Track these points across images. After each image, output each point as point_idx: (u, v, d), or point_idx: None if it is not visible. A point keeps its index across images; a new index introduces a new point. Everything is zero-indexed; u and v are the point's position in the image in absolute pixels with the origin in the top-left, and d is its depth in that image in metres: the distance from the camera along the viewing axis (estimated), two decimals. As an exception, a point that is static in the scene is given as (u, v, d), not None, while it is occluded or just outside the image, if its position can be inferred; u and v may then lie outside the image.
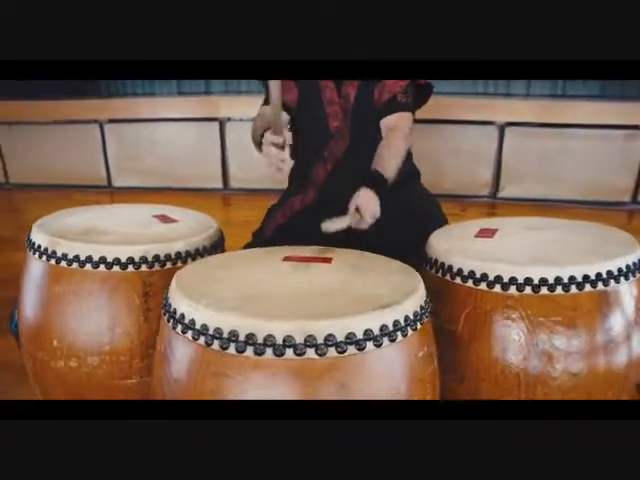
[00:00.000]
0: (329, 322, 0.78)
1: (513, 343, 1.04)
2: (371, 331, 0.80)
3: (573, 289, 1.01)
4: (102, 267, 1.08)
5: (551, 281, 1.01)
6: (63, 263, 1.09)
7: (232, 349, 0.78)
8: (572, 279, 1.01)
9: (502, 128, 2.90)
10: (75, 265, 1.08)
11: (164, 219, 1.31)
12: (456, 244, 1.17)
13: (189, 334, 0.82)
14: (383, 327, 0.81)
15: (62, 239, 1.10)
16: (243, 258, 1.09)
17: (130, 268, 1.09)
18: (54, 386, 1.14)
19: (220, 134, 3.12)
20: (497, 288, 1.04)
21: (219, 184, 3.14)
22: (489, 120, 2.89)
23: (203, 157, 3.14)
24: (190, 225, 1.28)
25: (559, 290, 1.01)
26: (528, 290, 1.02)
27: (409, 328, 0.85)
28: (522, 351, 1.03)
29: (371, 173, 1.28)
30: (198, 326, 0.81)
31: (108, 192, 3.10)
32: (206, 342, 0.80)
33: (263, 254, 1.11)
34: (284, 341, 0.76)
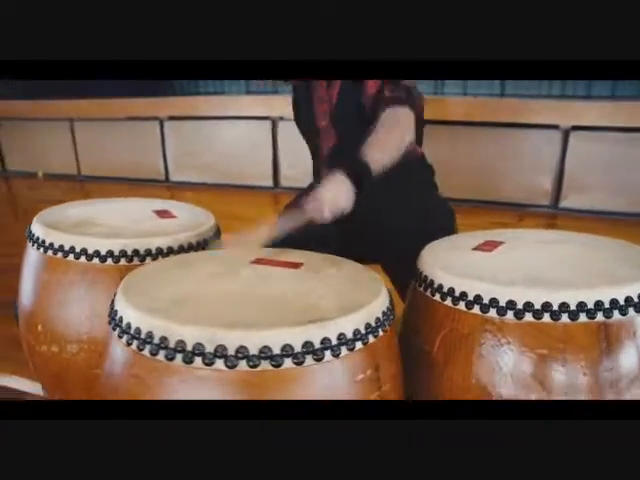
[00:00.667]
0: (242, 333, 0.73)
1: (491, 373, 0.91)
2: (291, 347, 0.73)
3: (564, 318, 0.87)
4: (83, 259, 1.11)
5: (537, 306, 0.87)
6: (50, 252, 1.13)
7: (146, 351, 0.76)
8: (564, 306, 0.86)
9: (566, 132, 2.61)
10: (60, 255, 1.12)
11: (163, 214, 1.33)
12: (445, 257, 1.05)
13: (117, 331, 0.81)
14: (307, 344, 0.74)
15: (53, 230, 1.15)
16: (206, 259, 1.06)
17: (109, 261, 1.11)
18: (41, 369, 1.21)
19: (272, 133, 3.14)
20: (476, 309, 0.91)
21: (270, 182, 3.17)
22: (552, 124, 2.61)
23: (256, 155, 3.19)
24: (183, 222, 1.28)
25: (546, 318, 0.87)
26: (510, 315, 0.89)
27: (343, 348, 0.77)
28: (501, 384, 0.90)
29: (356, 161, 1.20)
30: (124, 324, 0.80)
31: (166, 186, 3.25)
32: (127, 341, 0.78)
33: (233, 255, 1.07)
34: (194, 348, 0.73)
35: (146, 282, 0.90)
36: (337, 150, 1.39)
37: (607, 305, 0.86)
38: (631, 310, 0.87)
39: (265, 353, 0.72)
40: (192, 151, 3.24)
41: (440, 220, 1.40)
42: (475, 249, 1.09)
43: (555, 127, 2.62)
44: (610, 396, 0.87)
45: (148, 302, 0.81)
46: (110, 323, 0.85)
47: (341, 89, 1.36)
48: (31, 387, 1.45)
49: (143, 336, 0.76)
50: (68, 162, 4.26)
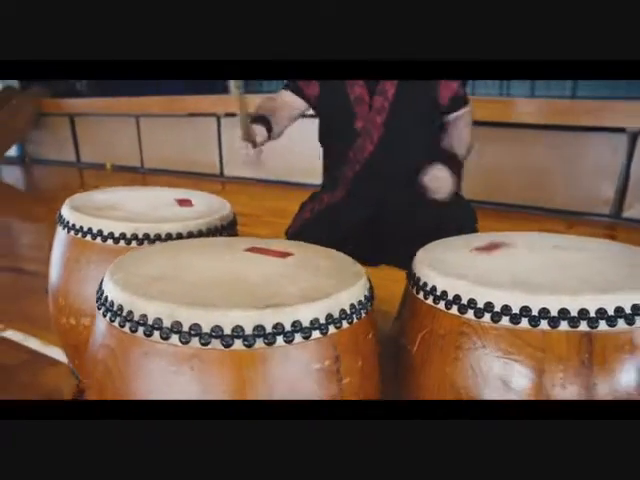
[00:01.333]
0: (197, 312, 0.76)
1: (465, 378, 0.87)
2: (241, 328, 0.75)
3: (543, 324, 0.81)
4: (99, 240, 1.20)
5: (515, 310, 0.82)
6: (72, 233, 1.23)
7: (116, 323, 0.81)
8: (543, 312, 0.81)
9: (634, 136, 2.39)
10: (80, 235, 1.22)
11: (182, 203, 1.40)
12: (438, 255, 1.02)
13: (98, 303, 0.87)
14: (258, 327, 0.76)
15: (77, 212, 1.25)
16: (202, 245, 1.10)
17: (121, 243, 1.19)
18: (64, 339, 1.31)
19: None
20: (454, 310, 0.88)
21: (319, 180, 3.19)
22: (618, 127, 2.41)
23: (307, 153, 3.23)
24: (198, 210, 1.34)
25: (524, 323, 0.82)
26: (487, 317, 0.85)
27: (297, 335, 0.78)
28: (476, 388, 0.86)
29: (442, 151, 1.38)
30: (103, 298, 0.86)
31: (220, 181, 3.38)
32: (103, 313, 0.84)
33: (231, 243, 1.11)
34: (153, 323, 0.77)
35: (134, 262, 0.96)
36: (380, 153, 1.41)
37: (592, 314, 0.80)
38: (621, 321, 0.80)
39: (216, 332, 0.75)
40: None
41: (459, 223, 1.36)
42: (475, 250, 1.05)
43: (621, 130, 2.42)
44: (593, 413, 0.80)
45: (126, 278, 0.87)
46: (96, 296, 0.91)
47: (398, 88, 1.39)
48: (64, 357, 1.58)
49: (115, 309, 0.82)
50: (133, 155, 4.62)
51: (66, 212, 1.27)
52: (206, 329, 0.75)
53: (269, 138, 1.41)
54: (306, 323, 0.78)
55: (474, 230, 1.39)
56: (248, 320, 0.75)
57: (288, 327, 0.77)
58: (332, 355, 0.82)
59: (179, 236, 1.22)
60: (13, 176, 5.49)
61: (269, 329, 0.76)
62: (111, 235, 1.19)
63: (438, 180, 1.32)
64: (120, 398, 0.80)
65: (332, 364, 0.81)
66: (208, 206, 1.39)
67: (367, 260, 1.12)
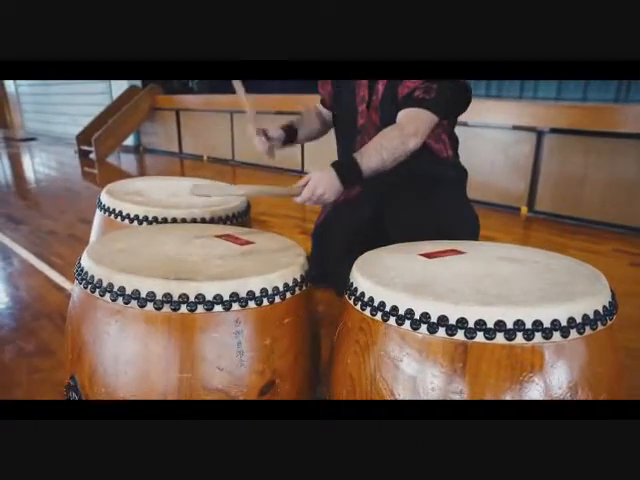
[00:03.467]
0: (123, 276, 0.93)
1: (358, 372, 0.93)
2: (153, 294, 0.91)
3: (423, 329, 0.84)
4: (119, 219, 1.44)
5: (401, 312, 0.87)
6: (104, 213, 1.49)
7: (97, 294, 0.99)
8: (424, 317, 0.84)
9: None
10: (106, 214, 1.48)
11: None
12: (374, 255, 1.09)
13: (76, 274, 1.08)
14: (166, 295, 0.90)
15: (108, 196, 1.51)
16: (184, 229, 1.27)
17: (135, 223, 1.42)
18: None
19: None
20: (358, 306, 0.95)
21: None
22: None
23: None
24: (211, 200, 1.52)
25: (407, 325, 0.86)
26: (379, 316, 0.90)
27: (200, 306, 0.91)
28: (365, 379, 0.92)
29: (346, 158, 1.29)
30: (79, 269, 1.06)
31: (299, 176, 3.59)
32: (79, 282, 1.03)
33: (211, 229, 1.27)
34: (95, 282, 0.95)
35: (116, 238, 1.17)
36: None
37: (471, 324, 0.81)
38: (500, 335, 0.80)
39: (135, 295, 0.91)
40: (324, 146, 3.57)
41: (459, 224, 1.38)
42: (421, 254, 1.09)
43: None
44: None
45: (97, 250, 1.07)
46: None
47: (386, 87, 1.44)
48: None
49: (79, 269, 1.03)
50: (225, 149, 5.08)
51: (103, 196, 1.54)
52: (128, 291, 0.92)
53: (288, 139, 1.55)
54: (209, 297, 0.91)
55: (475, 236, 1.39)
56: (158, 288, 0.91)
57: (192, 298, 0.91)
58: (234, 329, 0.94)
59: (183, 221, 1.42)
60: (129, 163, 6.38)
61: (175, 297, 0.90)
62: (128, 216, 1.43)
63: (311, 186, 1.22)
64: (73, 338, 1.00)
65: (232, 338, 0.93)
66: (224, 197, 1.57)
67: None
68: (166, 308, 0.91)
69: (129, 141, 6.81)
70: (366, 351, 0.92)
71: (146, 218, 1.42)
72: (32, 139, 8.61)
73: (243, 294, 0.94)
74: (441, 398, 0.82)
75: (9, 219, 3.47)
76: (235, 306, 0.93)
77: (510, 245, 1.19)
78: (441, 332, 0.83)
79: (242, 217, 1.53)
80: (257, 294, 0.95)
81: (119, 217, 1.44)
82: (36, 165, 6.30)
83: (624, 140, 2.71)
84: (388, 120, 1.41)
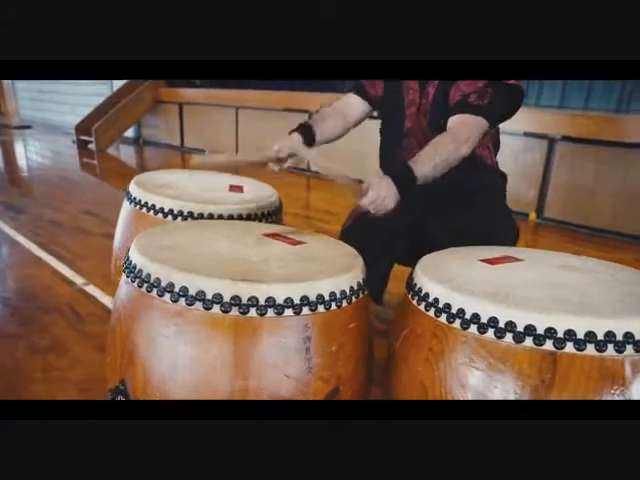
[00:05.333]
0: (185, 275, 0.87)
1: (431, 379, 0.90)
2: (220, 296, 0.85)
3: (508, 338, 0.81)
4: (151, 212, 1.38)
5: (484, 320, 0.84)
6: (133, 205, 1.43)
7: (129, 278, 0.95)
8: (509, 325, 0.81)
9: None
10: (138, 208, 1.41)
11: (234, 189, 1.54)
12: (440, 261, 1.05)
13: (126, 271, 1.02)
14: (234, 297, 0.85)
15: (138, 188, 1.44)
16: (229, 226, 1.22)
17: (169, 217, 1.36)
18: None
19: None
20: (431, 312, 0.91)
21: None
22: None
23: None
24: (246, 197, 1.47)
25: (490, 334, 0.83)
26: (457, 323, 0.87)
27: (270, 309, 0.86)
28: (438, 391, 0.89)
29: (400, 166, 1.25)
30: (129, 264, 1.00)
31: (304, 175, 3.54)
32: (130, 279, 0.98)
33: (258, 228, 1.22)
34: (153, 281, 0.90)
35: (160, 233, 1.11)
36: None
37: (560, 334, 0.79)
38: (591, 347, 0.78)
39: (200, 296, 0.86)
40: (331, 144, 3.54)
41: (498, 234, 1.35)
42: (481, 260, 1.06)
43: None
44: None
45: (146, 245, 1.01)
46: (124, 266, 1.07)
47: (437, 90, 1.40)
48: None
49: (131, 266, 0.97)
50: (230, 144, 5.00)
51: (132, 187, 1.47)
52: (192, 292, 0.87)
53: (308, 146, 1.49)
54: (280, 301, 0.87)
55: (514, 243, 1.37)
56: (226, 289, 0.86)
57: (262, 301, 0.86)
58: (303, 335, 0.89)
59: (220, 217, 1.36)
60: (128, 155, 6.24)
61: (244, 300, 0.86)
62: (161, 209, 1.37)
63: (377, 191, 1.18)
64: (122, 340, 0.95)
65: (301, 344, 0.89)
66: (256, 193, 1.52)
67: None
68: (234, 311, 0.86)
69: (129, 133, 6.66)
70: (440, 359, 0.88)
71: (181, 213, 1.35)
72: (27, 127, 8.35)
73: (313, 297, 0.89)
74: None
75: (8, 207, 3.34)
76: (305, 310, 0.88)
77: (562, 253, 1.16)
78: (528, 341, 0.80)
79: (277, 215, 1.49)
80: (326, 298, 0.91)
81: (152, 210, 1.38)
82: (29, 153, 6.11)
83: (635, 150, 2.73)
84: (436, 123, 1.38)
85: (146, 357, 0.91)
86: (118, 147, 6.51)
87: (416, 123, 1.45)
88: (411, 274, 1.03)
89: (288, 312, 0.87)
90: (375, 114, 1.63)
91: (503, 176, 1.53)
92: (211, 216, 1.36)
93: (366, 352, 1.03)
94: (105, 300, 2.00)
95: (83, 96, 7.49)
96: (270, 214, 1.46)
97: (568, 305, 0.83)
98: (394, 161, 1.50)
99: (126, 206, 1.47)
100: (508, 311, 0.82)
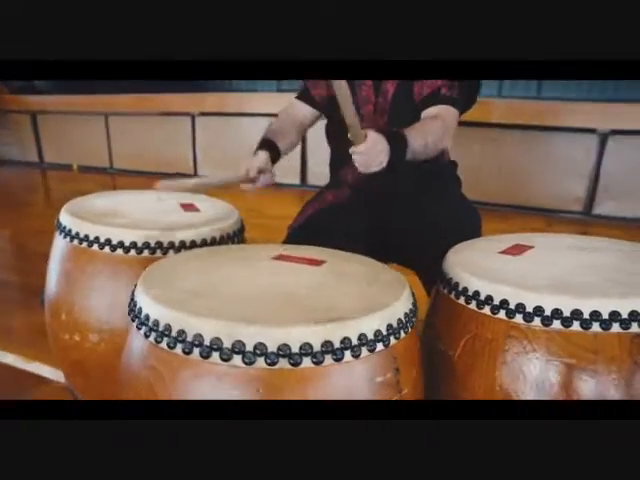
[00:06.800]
0: (261, 329, 0.72)
1: (515, 381, 0.88)
2: (310, 346, 0.72)
3: (595, 327, 0.83)
4: (107, 249, 1.12)
5: (566, 314, 0.84)
6: (75, 242, 1.14)
7: (164, 344, 0.75)
8: (595, 315, 0.83)
9: (604, 136, 2.51)
10: (85, 245, 1.13)
11: (188, 207, 1.33)
12: (471, 259, 1.02)
13: (135, 322, 0.81)
14: (326, 343, 0.72)
15: (79, 219, 1.16)
16: (227, 253, 1.06)
17: (132, 252, 1.12)
18: (64, 357, 1.22)
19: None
20: (501, 314, 0.89)
21: (297, 180, 3.17)
22: (589, 127, 2.52)
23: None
24: (208, 215, 1.28)
25: (576, 326, 0.83)
26: (537, 321, 0.85)
27: (364, 348, 0.75)
28: (525, 392, 0.87)
29: (392, 132, 1.19)
30: (142, 315, 0.80)
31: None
32: (145, 333, 0.78)
33: (255, 250, 1.07)
34: (211, 343, 0.72)
35: (166, 274, 0.90)
36: None
37: (642, 315, 0.82)
38: (665, 321, 0.83)
39: (283, 351, 0.71)
40: (222, 148, 3.27)
41: (468, 223, 1.37)
42: (502, 252, 1.06)
43: (592, 131, 2.53)
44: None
45: (167, 294, 0.81)
46: (130, 314, 0.85)
47: (397, 87, 1.34)
48: (53, 374, 1.48)
49: (161, 328, 0.76)
50: (101, 155, 4.34)
51: (66, 219, 1.18)
52: (272, 348, 0.71)
53: (273, 162, 1.36)
54: (371, 336, 0.76)
55: (479, 231, 1.40)
56: (316, 336, 0.72)
57: (355, 341, 0.74)
58: (393, 366, 0.80)
59: (193, 244, 1.16)
60: None
61: (337, 344, 0.73)
62: (120, 244, 1.12)
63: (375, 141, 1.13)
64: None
65: (393, 376, 0.79)
66: (215, 210, 1.33)
67: (376, 258, 1.06)
68: (327, 360, 0.72)
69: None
70: (523, 359, 0.86)
71: (147, 245, 1.12)
72: None
73: (395, 324, 0.80)
74: (624, 394, 0.82)
75: None
76: (392, 340, 0.79)
77: (557, 235, 1.22)
78: (615, 327, 0.82)
79: (243, 232, 1.32)
80: (404, 321, 0.82)
81: (107, 246, 1.12)
82: None
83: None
84: (397, 123, 1.34)
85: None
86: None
87: (372, 122, 1.40)
88: (449, 278, 0.99)
89: (380, 347, 0.77)
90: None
91: (454, 163, 1.56)
92: (183, 243, 1.15)
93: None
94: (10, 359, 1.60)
95: None
96: (240, 231, 1.29)
97: (630, 287, 0.87)
98: (346, 164, 1.44)
99: (62, 244, 1.18)
100: (590, 302, 0.83)
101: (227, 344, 0.71)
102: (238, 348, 0.71)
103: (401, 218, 1.41)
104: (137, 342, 0.81)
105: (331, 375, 0.74)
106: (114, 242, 1.12)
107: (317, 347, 0.72)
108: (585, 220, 2.57)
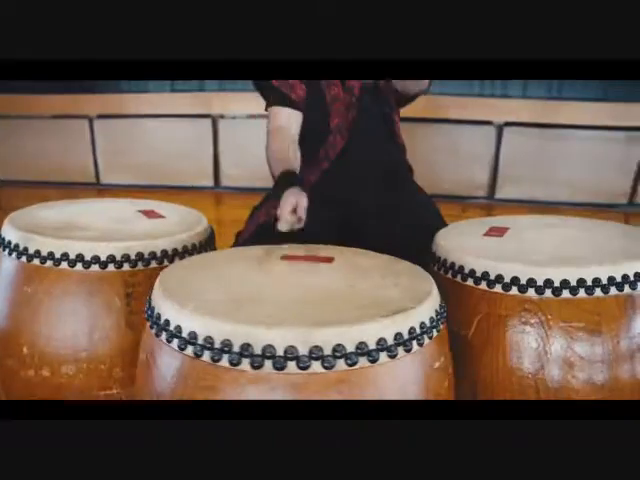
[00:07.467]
0: (338, 330, 0.68)
1: (531, 351, 0.95)
2: (385, 340, 0.70)
3: (597, 292, 0.93)
4: (79, 266, 0.97)
5: (573, 283, 0.93)
6: (36, 261, 0.98)
7: (225, 361, 0.68)
8: (596, 281, 0.93)
9: (500, 128, 2.82)
10: (49, 263, 0.97)
11: (150, 214, 1.20)
12: (467, 243, 1.08)
13: (175, 343, 0.72)
14: (397, 335, 0.72)
15: (36, 235, 0.99)
16: (235, 257, 0.99)
17: (110, 267, 0.99)
18: (23, 396, 1.03)
19: (213, 131, 3.01)
20: (514, 290, 0.95)
21: (210, 182, 3.04)
22: (487, 120, 2.81)
23: (195, 154, 3.03)
24: (177, 221, 1.17)
25: (582, 293, 0.93)
26: (548, 293, 0.93)
27: (425, 336, 0.76)
28: (541, 360, 0.95)
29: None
30: (185, 334, 0.71)
31: (96, 189, 2.96)
32: (195, 352, 0.70)
33: (257, 252, 1.01)
34: (285, 352, 0.67)
35: (188, 285, 0.81)
36: (349, 149, 1.37)
37: (632, 278, 0.94)
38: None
39: (362, 349, 0.68)
40: (125, 151, 2.99)
41: (431, 218, 1.43)
42: (486, 235, 1.13)
43: (489, 123, 2.81)
44: (635, 363, 0.96)
45: (209, 307, 0.73)
46: (159, 335, 0.75)
47: (363, 86, 1.34)
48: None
49: (218, 345, 0.68)
50: None
51: (15, 235, 1.00)
52: (351, 348, 0.68)
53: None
54: (428, 323, 0.77)
55: (440, 214, 1.48)
56: (388, 330, 0.70)
57: (418, 330, 0.74)
58: (444, 351, 0.82)
59: (174, 252, 1.06)
60: None
61: (406, 335, 0.72)
62: (96, 259, 0.99)
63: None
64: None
65: (445, 359, 0.81)
66: (180, 215, 1.22)
67: None
68: (401, 352, 0.71)
69: None
70: (539, 329, 0.94)
71: (127, 258, 0.99)
72: None
73: (435, 314, 0.81)
74: (625, 350, 0.93)
75: None
76: (435, 332, 0.80)
77: (527, 216, 1.34)
78: (613, 291, 0.93)
79: (214, 239, 1.24)
80: (439, 310, 0.84)
81: (79, 263, 0.97)
82: None
83: None
84: (364, 120, 1.36)
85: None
86: None
87: (343, 119, 1.40)
88: (452, 263, 1.03)
89: (434, 332, 0.78)
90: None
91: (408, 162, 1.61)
92: (165, 253, 1.04)
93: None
94: None
95: None
96: (213, 236, 1.21)
97: (621, 253, 0.99)
98: (318, 160, 1.42)
99: (11, 265, 1.00)
100: (591, 270, 0.93)
101: (303, 351, 0.67)
102: (316, 354, 0.67)
103: (362, 218, 1.40)
104: (177, 365, 0.72)
105: (403, 367, 0.73)
106: (87, 258, 0.98)
107: (390, 341, 0.71)
108: (490, 204, 2.86)
